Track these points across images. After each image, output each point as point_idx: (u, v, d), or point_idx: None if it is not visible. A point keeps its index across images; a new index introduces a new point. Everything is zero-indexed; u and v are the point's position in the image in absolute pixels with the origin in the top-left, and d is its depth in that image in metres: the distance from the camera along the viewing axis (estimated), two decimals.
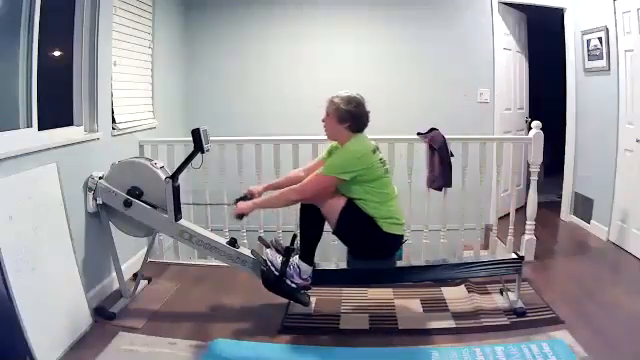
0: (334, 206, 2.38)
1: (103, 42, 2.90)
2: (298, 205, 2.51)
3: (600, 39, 3.86)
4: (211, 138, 2.63)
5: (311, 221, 2.45)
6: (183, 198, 2.73)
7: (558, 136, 4.42)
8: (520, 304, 2.62)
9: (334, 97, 2.43)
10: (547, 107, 4.82)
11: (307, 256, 2.47)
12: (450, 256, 3.34)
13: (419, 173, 3.31)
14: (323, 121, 2.47)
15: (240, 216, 2.52)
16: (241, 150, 3.38)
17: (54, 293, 2.30)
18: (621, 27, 3.61)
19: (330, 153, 2.56)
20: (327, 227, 2.48)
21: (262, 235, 3.07)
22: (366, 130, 2.49)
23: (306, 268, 2.46)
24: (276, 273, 2.46)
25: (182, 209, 2.69)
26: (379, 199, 2.38)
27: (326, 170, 2.36)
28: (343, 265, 2.68)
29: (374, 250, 2.48)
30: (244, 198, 2.61)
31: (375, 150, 2.44)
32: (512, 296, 2.71)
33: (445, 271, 2.65)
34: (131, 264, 3.18)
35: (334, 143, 2.55)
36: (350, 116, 2.38)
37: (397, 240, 2.47)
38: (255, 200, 2.56)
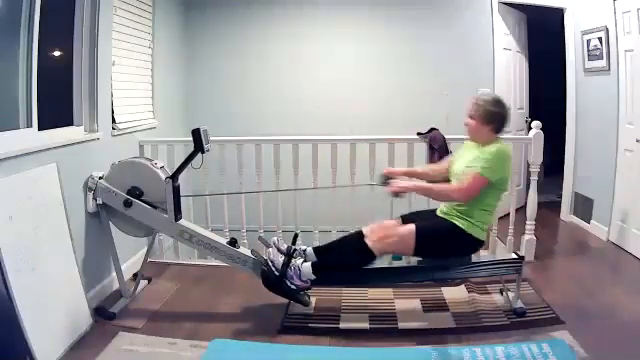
0: (406, 238, 2.39)
1: (103, 42, 2.90)
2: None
3: (600, 39, 3.86)
4: (211, 138, 2.63)
5: (358, 258, 2.47)
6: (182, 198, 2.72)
7: (558, 136, 4.42)
8: (520, 304, 2.62)
9: (479, 98, 2.45)
10: (547, 107, 4.82)
11: (320, 270, 2.47)
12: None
13: None
14: (466, 125, 2.49)
15: (398, 194, 2.46)
16: (241, 150, 3.37)
17: (54, 293, 2.30)
18: (621, 27, 3.61)
19: (472, 154, 2.48)
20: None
21: (262, 235, 3.07)
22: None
23: (307, 272, 2.45)
24: (276, 273, 2.46)
25: (182, 207, 2.68)
26: (493, 208, 2.47)
27: (487, 173, 2.32)
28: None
29: (455, 253, 2.53)
30: (388, 178, 2.55)
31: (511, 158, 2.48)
32: (512, 296, 2.71)
33: (445, 271, 2.65)
34: (131, 264, 3.18)
35: (467, 142, 2.58)
36: (496, 118, 2.41)
37: (479, 244, 2.49)
38: (419, 184, 2.54)
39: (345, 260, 2.51)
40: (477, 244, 2.47)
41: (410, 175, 2.70)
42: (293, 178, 3.38)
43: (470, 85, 4.52)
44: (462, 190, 2.34)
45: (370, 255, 2.42)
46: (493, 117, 2.40)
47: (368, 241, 2.43)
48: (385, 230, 2.46)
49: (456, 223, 2.41)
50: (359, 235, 2.53)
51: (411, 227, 2.42)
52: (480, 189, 2.34)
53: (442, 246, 2.45)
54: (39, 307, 2.14)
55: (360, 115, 4.48)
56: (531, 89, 5.14)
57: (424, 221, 2.50)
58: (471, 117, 2.45)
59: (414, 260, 2.62)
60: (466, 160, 2.46)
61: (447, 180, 2.55)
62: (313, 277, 2.46)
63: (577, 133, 4.42)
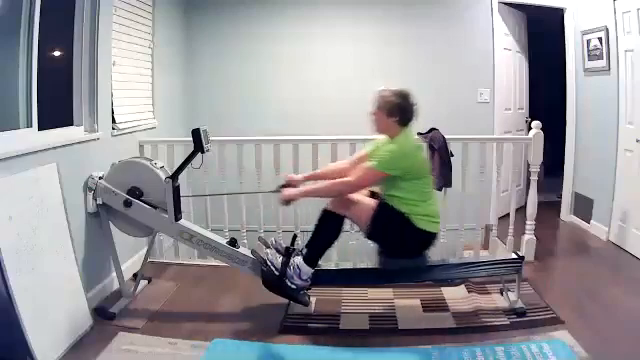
0: (366, 209, 2.38)
1: (103, 42, 2.90)
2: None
3: (600, 39, 3.86)
4: (211, 138, 2.63)
5: (331, 228, 2.45)
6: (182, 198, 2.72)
7: (558, 136, 4.42)
8: (520, 304, 2.62)
9: (383, 91, 2.43)
10: (547, 107, 4.82)
11: (313, 260, 2.47)
12: (450, 256, 3.34)
13: None
14: (373, 114, 2.46)
15: (287, 202, 2.49)
16: (241, 150, 3.37)
17: (54, 293, 2.29)
18: (621, 27, 3.61)
19: (378, 147, 2.52)
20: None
21: (262, 235, 3.07)
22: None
23: (307, 270, 2.45)
24: (276, 273, 2.46)
25: (182, 207, 2.69)
26: (419, 197, 2.40)
27: (379, 165, 2.34)
28: (343, 266, 2.68)
29: (407, 248, 2.49)
30: (286, 186, 2.58)
31: (421, 147, 2.47)
32: (512, 296, 2.71)
33: (445, 271, 2.65)
34: (131, 264, 3.18)
35: (379, 138, 2.55)
36: (399, 109, 2.39)
37: (431, 237, 2.47)
38: (304, 188, 2.55)
39: (323, 235, 2.48)
40: (425, 237, 2.44)
41: (312, 179, 2.69)
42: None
43: (470, 85, 4.54)
44: (349, 183, 2.37)
45: (338, 218, 2.41)
46: (396, 109, 2.38)
47: (329, 207, 2.44)
48: (350, 197, 2.43)
49: (399, 208, 2.39)
50: (324, 211, 2.50)
51: (375, 201, 2.41)
52: (375, 181, 2.36)
53: (390, 231, 2.41)
54: (39, 307, 2.14)
55: (360, 115, 4.46)
56: (531, 89, 5.14)
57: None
58: (377, 108, 2.44)
59: (413, 260, 2.61)
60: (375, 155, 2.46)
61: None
62: (311, 273, 2.45)
63: (577, 133, 4.42)
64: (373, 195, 2.54)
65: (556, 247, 3.93)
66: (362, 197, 2.45)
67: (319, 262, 2.53)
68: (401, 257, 2.57)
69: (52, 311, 2.25)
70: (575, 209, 4.43)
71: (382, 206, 2.40)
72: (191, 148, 2.55)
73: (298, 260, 2.48)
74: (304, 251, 2.52)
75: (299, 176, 2.70)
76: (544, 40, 5.04)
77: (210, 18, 4.61)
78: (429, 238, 2.47)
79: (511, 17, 4.70)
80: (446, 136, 3.22)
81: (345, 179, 2.41)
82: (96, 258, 2.81)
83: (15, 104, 2.38)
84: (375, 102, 2.44)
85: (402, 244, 2.47)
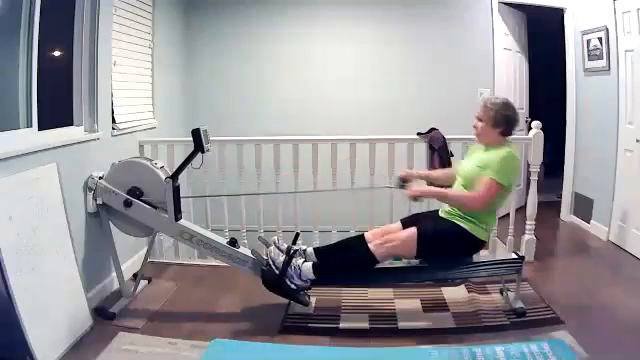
0: (407, 243, 2.41)
1: (103, 42, 2.90)
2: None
3: (600, 39, 3.86)
4: (211, 138, 2.63)
5: (359, 261, 2.48)
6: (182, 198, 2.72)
7: (558, 136, 4.42)
8: (520, 304, 2.62)
9: (488, 102, 2.45)
10: (547, 107, 4.82)
11: (321, 271, 2.47)
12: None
13: None
14: (474, 127, 2.49)
15: (416, 198, 2.51)
16: (241, 150, 3.37)
17: (54, 293, 2.29)
18: (621, 27, 3.61)
19: (479, 158, 2.48)
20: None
21: (262, 235, 3.07)
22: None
23: (308, 272, 2.46)
24: (277, 272, 2.46)
25: (182, 207, 2.69)
26: (496, 209, 2.50)
27: (502, 179, 2.33)
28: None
29: (457, 255, 2.53)
30: (404, 181, 2.59)
31: None
32: (512, 296, 2.71)
33: (445, 271, 2.65)
34: (131, 264, 3.18)
35: (473, 146, 2.61)
36: (505, 121, 2.41)
37: (481, 244, 2.51)
38: (437, 189, 2.55)
39: (347, 264, 2.52)
40: (479, 244, 2.48)
41: (426, 178, 2.74)
42: (293, 178, 3.39)
43: (470, 85, 4.53)
44: (478, 198, 2.35)
45: (372, 259, 2.43)
46: (502, 120, 2.41)
47: (371, 245, 2.45)
48: (387, 234, 2.49)
49: (458, 224, 2.42)
50: (361, 239, 2.55)
51: (413, 230, 2.43)
52: (496, 195, 2.35)
53: (444, 247, 2.45)
54: (39, 307, 2.14)
55: (360, 115, 4.48)
56: (531, 89, 5.14)
57: (425, 223, 2.51)
58: (480, 120, 2.46)
59: (415, 260, 2.61)
60: (475, 161, 2.47)
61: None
62: (313, 277, 2.46)
63: (577, 133, 4.42)
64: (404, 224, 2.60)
65: (556, 247, 3.93)
66: (398, 233, 2.48)
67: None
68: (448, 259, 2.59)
69: (52, 311, 2.25)
70: (575, 209, 4.43)
71: (423, 231, 2.42)
72: (191, 148, 2.55)
73: (305, 264, 2.48)
74: (313, 257, 2.55)
75: (415, 172, 2.76)
76: (544, 40, 5.04)
77: (210, 18, 4.61)
78: (479, 245, 2.51)
79: (511, 17, 4.70)
80: (446, 136, 3.22)
81: (472, 194, 2.38)
82: (96, 258, 2.81)
83: (15, 104, 2.38)
84: (480, 112, 2.46)
85: (453, 254, 2.52)
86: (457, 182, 2.55)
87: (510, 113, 2.43)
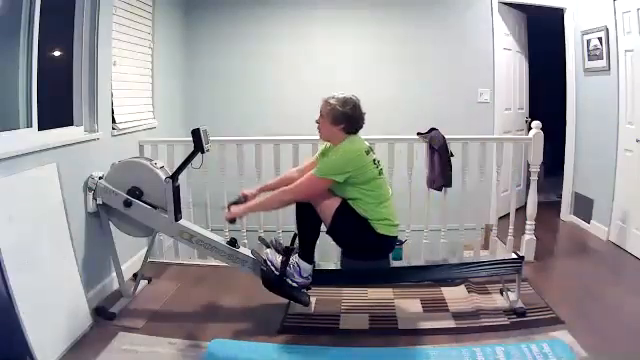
0: (328, 206, 2.37)
1: (103, 42, 2.90)
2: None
3: (600, 39, 3.86)
4: (211, 138, 2.63)
5: (308, 219, 2.44)
6: (183, 198, 2.73)
7: (558, 136, 4.42)
8: (520, 304, 2.62)
9: (329, 98, 2.41)
10: (547, 107, 4.82)
11: (307, 254, 2.46)
12: (450, 256, 3.34)
13: (419, 173, 3.31)
14: (317, 122, 2.46)
15: (232, 220, 2.51)
16: (241, 150, 3.37)
17: (54, 293, 2.29)
18: (621, 27, 3.61)
19: (324, 154, 2.54)
20: (323, 227, 2.48)
21: (262, 235, 3.07)
22: (366, 130, 2.48)
23: (306, 266, 2.45)
24: (276, 273, 2.46)
25: (182, 207, 2.69)
26: (373, 200, 2.37)
27: (319, 172, 2.34)
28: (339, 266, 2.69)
29: (367, 251, 2.49)
30: (237, 202, 2.58)
31: (369, 151, 2.43)
32: (512, 296, 2.71)
33: (445, 271, 2.65)
34: (131, 264, 3.18)
35: (327, 144, 2.53)
36: (345, 118, 2.37)
37: (390, 241, 2.46)
38: (248, 204, 2.55)
39: (306, 227, 2.46)
40: (382, 241, 2.41)
41: (265, 190, 2.67)
42: None
43: (470, 85, 4.54)
44: (289, 191, 2.37)
45: (311, 208, 2.39)
46: (342, 117, 2.37)
47: (294, 198, 2.42)
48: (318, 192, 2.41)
49: (355, 208, 2.37)
50: (297, 205, 2.48)
51: (338, 199, 2.38)
52: (318, 188, 2.33)
53: (348, 230, 2.39)
54: (39, 307, 2.14)
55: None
56: (531, 89, 5.14)
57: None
58: (321, 116, 2.43)
59: (415, 261, 2.61)
60: None
61: None
62: (311, 269, 2.45)
63: (577, 133, 4.42)
64: None
65: (556, 247, 3.93)
66: (328, 193, 2.41)
67: (315, 260, 2.53)
68: (362, 259, 2.58)
69: (52, 311, 2.25)
70: (575, 209, 4.44)
71: (343, 206, 2.37)
72: (191, 148, 2.55)
73: (296, 258, 2.48)
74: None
75: (252, 190, 2.67)
76: (544, 40, 5.04)
77: (210, 18, 4.61)
78: (389, 242, 2.46)
79: (511, 17, 4.70)
80: (446, 136, 3.22)
81: (286, 188, 2.41)
82: (96, 258, 2.81)
83: (15, 104, 2.38)
84: (320, 110, 2.43)
85: (362, 247, 2.47)
86: None
87: (348, 110, 2.37)
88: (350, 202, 2.37)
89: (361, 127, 2.45)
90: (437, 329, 2.50)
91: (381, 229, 2.37)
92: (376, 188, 2.39)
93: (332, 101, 2.39)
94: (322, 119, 2.43)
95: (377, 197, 2.39)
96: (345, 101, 2.38)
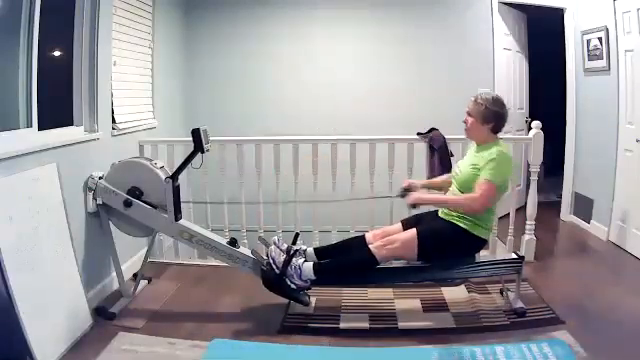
0: (407, 245, 2.41)
1: (103, 42, 2.90)
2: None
3: (600, 39, 3.86)
4: (211, 138, 2.63)
5: (360, 263, 2.48)
6: (183, 198, 2.72)
7: (558, 136, 4.42)
8: (520, 304, 2.62)
9: (477, 98, 2.45)
10: (547, 107, 4.82)
11: (322, 271, 2.46)
12: None
13: (419, 173, 3.31)
14: (464, 122, 2.49)
15: (415, 205, 2.52)
16: (241, 150, 3.37)
17: (54, 293, 2.29)
18: (621, 27, 3.61)
19: (472, 156, 2.51)
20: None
21: (262, 235, 3.07)
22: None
23: (308, 272, 2.45)
24: (277, 271, 2.46)
25: (182, 207, 2.68)
26: (494, 208, 2.48)
27: (495, 179, 2.33)
28: None
29: (460, 255, 2.53)
30: (407, 190, 2.60)
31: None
32: (512, 296, 2.71)
33: (445, 271, 2.65)
34: (131, 264, 3.18)
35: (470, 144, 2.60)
36: (495, 117, 2.41)
37: (483, 243, 2.50)
38: (435, 196, 2.63)
39: (347, 265, 2.51)
40: (480, 243, 2.48)
41: (429, 186, 2.75)
42: (293, 178, 3.38)
43: (470, 85, 4.51)
44: (476, 201, 2.34)
45: (373, 261, 2.43)
46: (492, 116, 2.40)
47: (371, 247, 2.45)
48: (387, 235, 2.49)
49: (457, 223, 2.42)
50: (361, 240, 2.55)
51: (413, 232, 2.43)
52: (493, 196, 2.36)
53: (444, 247, 2.45)
54: (39, 307, 2.14)
55: (360, 115, 4.48)
56: (531, 89, 5.14)
57: (425, 224, 2.51)
58: (469, 115, 2.46)
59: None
60: (468, 162, 2.47)
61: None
62: (313, 277, 2.46)
63: (577, 133, 4.42)
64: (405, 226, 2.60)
65: (556, 247, 3.93)
66: (399, 234, 2.48)
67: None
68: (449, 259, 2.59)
69: (52, 311, 2.25)
70: (575, 209, 4.43)
71: (422, 233, 2.42)
72: (191, 148, 2.55)
73: (305, 263, 2.47)
74: (313, 257, 2.56)
75: (418, 181, 2.73)
76: (544, 40, 5.04)
77: (210, 18, 4.61)
78: (480, 245, 2.50)
79: (511, 17, 4.70)
80: (446, 136, 3.22)
81: (471, 195, 2.36)
82: (96, 258, 2.81)
83: (15, 104, 2.38)
84: (470, 107, 2.46)
85: (455, 254, 2.51)
86: (452, 185, 2.54)
87: (499, 109, 2.42)
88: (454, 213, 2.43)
89: (504, 126, 2.49)
90: (437, 329, 2.50)
91: (481, 233, 2.43)
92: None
93: (481, 100, 2.42)
94: (472, 119, 2.46)
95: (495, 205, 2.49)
96: (495, 100, 2.42)
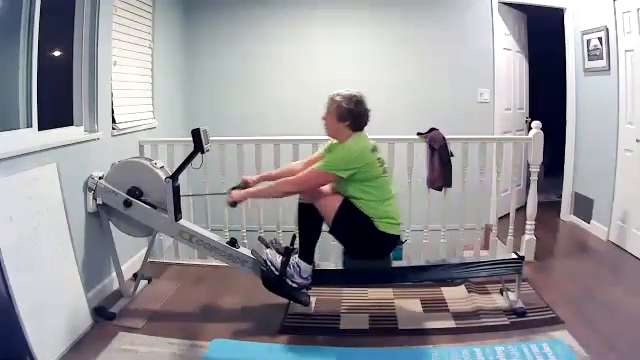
0: (331, 205, 2.38)
1: (103, 42, 2.90)
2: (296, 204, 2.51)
3: (600, 39, 3.86)
4: (211, 138, 2.63)
5: (309, 220, 2.45)
6: (183, 198, 2.73)
7: (558, 136, 4.42)
8: (520, 304, 2.62)
9: (335, 95, 2.42)
10: (547, 107, 4.82)
11: (306, 255, 2.47)
12: (450, 256, 3.34)
13: (419, 173, 3.31)
14: (323, 119, 2.47)
15: (234, 204, 2.51)
16: (241, 150, 3.37)
17: (54, 293, 2.30)
18: (621, 27, 3.61)
19: (329, 150, 2.55)
20: (325, 226, 2.48)
21: (262, 235, 3.07)
22: (366, 129, 2.48)
23: (306, 267, 2.46)
24: (276, 273, 2.46)
25: (182, 207, 2.69)
26: (376, 198, 2.38)
27: (324, 166, 2.35)
28: (341, 265, 2.68)
29: (370, 249, 2.49)
30: (238, 187, 2.59)
31: (374, 149, 2.44)
32: (512, 296, 2.71)
33: (445, 271, 2.65)
34: (131, 264, 3.18)
35: (334, 140, 2.54)
36: (351, 115, 2.38)
37: (393, 240, 2.46)
38: (249, 189, 2.56)
39: (306, 227, 2.48)
40: (385, 238, 2.41)
41: (266, 179, 2.69)
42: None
43: (470, 85, 4.54)
44: (291, 182, 2.38)
45: (313, 208, 2.41)
46: (348, 114, 2.37)
47: (301, 199, 2.46)
48: (319, 190, 2.44)
49: (365, 213, 2.38)
50: (299, 205, 2.51)
51: (340, 197, 2.40)
52: (320, 181, 2.36)
53: (354, 229, 2.40)
54: (39, 307, 2.14)
55: None
56: (531, 89, 5.14)
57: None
58: (328, 113, 2.44)
59: (415, 261, 2.61)
60: None
61: None
62: (311, 270, 2.46)
63: (577, 133, 4.42)
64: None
65: (556, 247, 3.93)
66: (330, 192, 2.44)
67: (316, 260, 2.54)
68: (364, 258, 2.57)
69: (52, 311, 2.25)
70: (575, 209, 4.43)
71: (346, 204, 2.38)
72: (191, 148, 2.55)
73: (296, 258, 2.48)
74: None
75: (254, 177, 2.70)
76: (544, 40, 5.04)
77: (210, 18, 4.61)
78: (391, 241, 2.45)
79: (511, 17, 4.70)
80: (446, 136, 3.22)
81: (288, 178, 2.42)
82: (96, 258, 2.81)
83: (15, 104, 2.38)
84: (326, 106, 2.44)
85: (364, 246, 2.47)
86: None
87: (353, 106, 2.37)
88: (353, 200, 2.38)
89: (366, 124, 2.45)
90: (437, 329, 2.49)
91: (383, 227, 2.37)
92: (380, 186, 2.40)
93: (338, 98, 2.40)
94: (328, 116, 2.44)
95: (380, 195, 2.39)
96: (351, 98, 2.39)
